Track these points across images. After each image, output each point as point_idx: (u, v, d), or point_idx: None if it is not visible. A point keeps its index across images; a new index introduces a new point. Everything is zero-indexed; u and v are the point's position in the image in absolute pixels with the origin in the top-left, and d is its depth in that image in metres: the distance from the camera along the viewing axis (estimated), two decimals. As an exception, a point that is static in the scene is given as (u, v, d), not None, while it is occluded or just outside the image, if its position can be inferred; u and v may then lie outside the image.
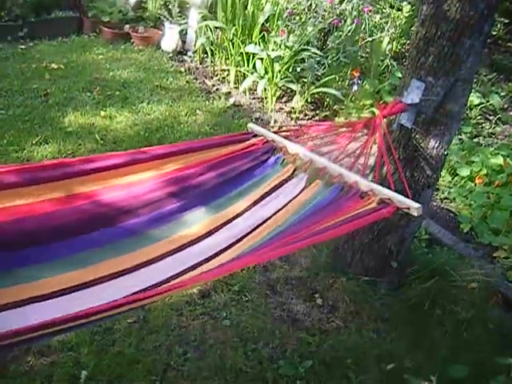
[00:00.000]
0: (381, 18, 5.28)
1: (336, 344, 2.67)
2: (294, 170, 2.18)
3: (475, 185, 3.99)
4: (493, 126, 5.19)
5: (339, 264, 3.12)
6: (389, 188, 1.93)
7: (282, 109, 5.02)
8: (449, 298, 3.00)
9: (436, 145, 2.66)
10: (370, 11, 5.00)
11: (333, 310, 2.91)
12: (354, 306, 2.92)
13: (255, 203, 2.12)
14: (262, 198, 2.12)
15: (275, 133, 2.30)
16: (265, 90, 4.83)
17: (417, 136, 2.65)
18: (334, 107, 4.96)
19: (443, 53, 2.47)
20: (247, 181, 2.18)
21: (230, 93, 5.15)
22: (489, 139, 4.97)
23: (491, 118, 5.35)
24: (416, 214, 1.85)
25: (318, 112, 5.02)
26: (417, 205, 1.83)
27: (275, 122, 4.76)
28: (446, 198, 4.07)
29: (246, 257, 1.79)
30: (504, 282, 3.22)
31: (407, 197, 1.88)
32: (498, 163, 4.00)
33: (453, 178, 4.18)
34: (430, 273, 3.02)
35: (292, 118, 4.85)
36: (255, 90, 5.11)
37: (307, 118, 4.94)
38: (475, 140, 4.88)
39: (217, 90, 5.20)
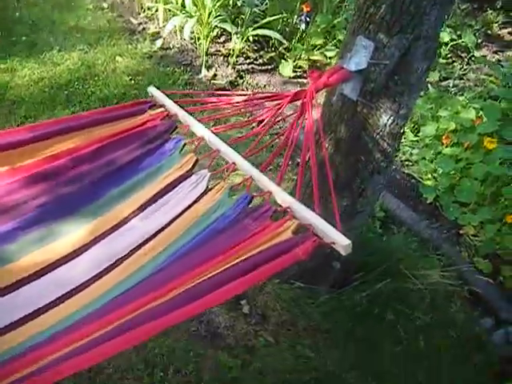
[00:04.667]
0: None
1: (263, 366, 2.26)
2: (195, 163, 1.66)
3: (442, 144, 3.41)
4: (464, 66, 4.59)
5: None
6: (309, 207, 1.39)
7: (219, 51, 4.29)
8: (404, 299, 2.56)
9: (389, 121, 2.09)
10: None
11: (262, 320, 2.45)
12: (287, 316, 2.48)
13: (141, 208, 1.61)
14: (152, 200, 1.62)
15: (178, 104, 1.77)
16: (193, 31, 4.12)
17: (364, 110, 2.07)
18: (280, 48, 4.30)
19: (400, 1, 1.83)
20: (134, 175, 1.67)
21: (158, 33, 4.40)
22: (459, 81, 4.38)
23: (463, 55, 4.74)
24: (343, 253, 1.31)
25: (262, 54, 4.34)
26: (346, 241, 1.29)
27: (208, 68, 4.06)
28: (407, 160, 3.52)
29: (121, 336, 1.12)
30: (473, 274, 2.73)
31: (335, 226, 1.33)
32: (469, 118, 3.40)
33: (415, 136, 3.61)
34: (383, 271, 2.52)
35: (229, 63, 4.17)
36: (187, 29, 4.39)
37: (248, 61, 4.26)
38: (443, 83, 4.30)
39: (143, 29, 4.44)
